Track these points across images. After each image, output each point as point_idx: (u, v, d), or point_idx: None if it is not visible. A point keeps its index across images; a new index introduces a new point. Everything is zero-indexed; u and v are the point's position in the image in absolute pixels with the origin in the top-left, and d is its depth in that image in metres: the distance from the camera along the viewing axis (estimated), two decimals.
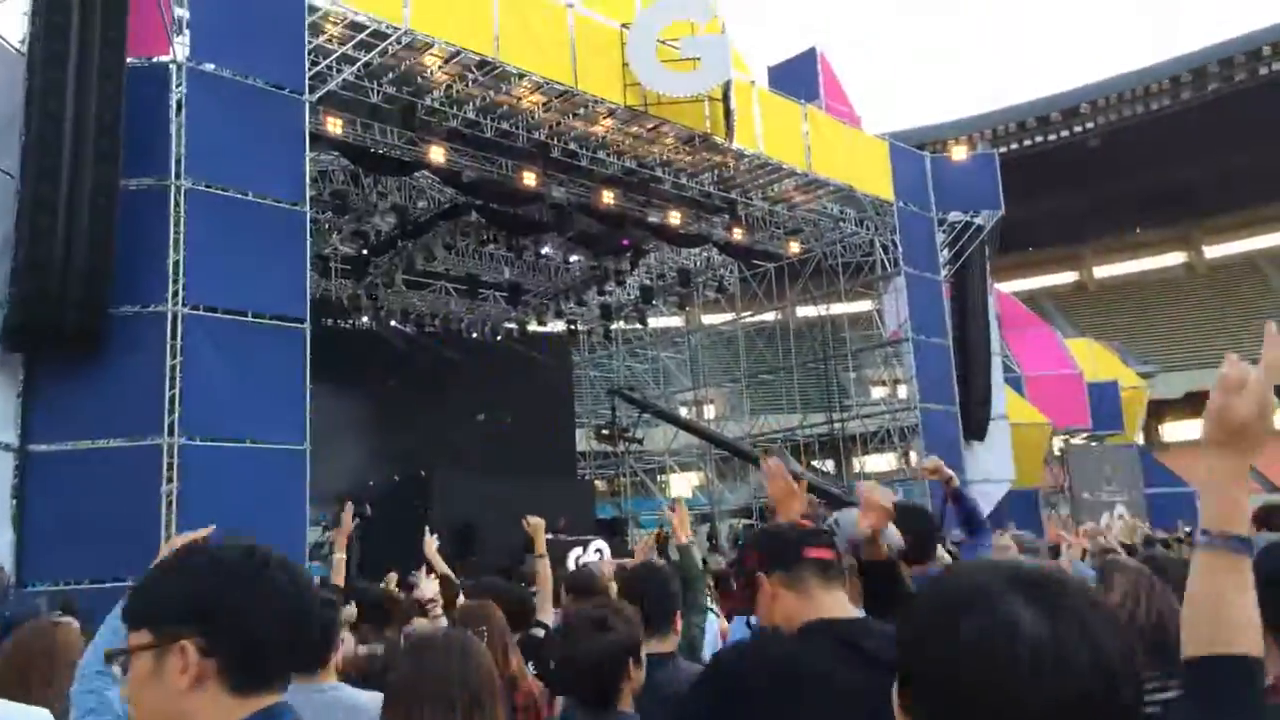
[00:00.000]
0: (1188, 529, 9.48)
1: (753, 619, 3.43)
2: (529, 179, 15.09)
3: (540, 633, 4.21)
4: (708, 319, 26.58)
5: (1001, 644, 0.93)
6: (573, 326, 23.82)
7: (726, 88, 14.60)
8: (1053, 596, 0.95)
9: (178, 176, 10.26)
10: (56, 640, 3.10)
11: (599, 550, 13.67)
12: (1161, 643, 2.49)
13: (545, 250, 19.37)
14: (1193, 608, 1.19)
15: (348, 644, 4.00)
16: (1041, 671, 0.91)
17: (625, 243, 18.64)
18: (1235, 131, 41.96)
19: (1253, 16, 49.37)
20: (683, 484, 28.79)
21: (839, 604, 2.06)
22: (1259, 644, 1.17)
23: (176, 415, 9.95)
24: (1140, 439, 30.72)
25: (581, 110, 14.40)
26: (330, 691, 2.77)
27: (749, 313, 23.87)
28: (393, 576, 6.29)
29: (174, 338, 10.07)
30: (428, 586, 4.23)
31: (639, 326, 23.86)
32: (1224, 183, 45.26)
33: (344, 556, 5.07)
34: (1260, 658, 1.17)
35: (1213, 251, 50.36)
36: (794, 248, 19.77)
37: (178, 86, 10.46)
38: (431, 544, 5.52)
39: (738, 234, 18.31)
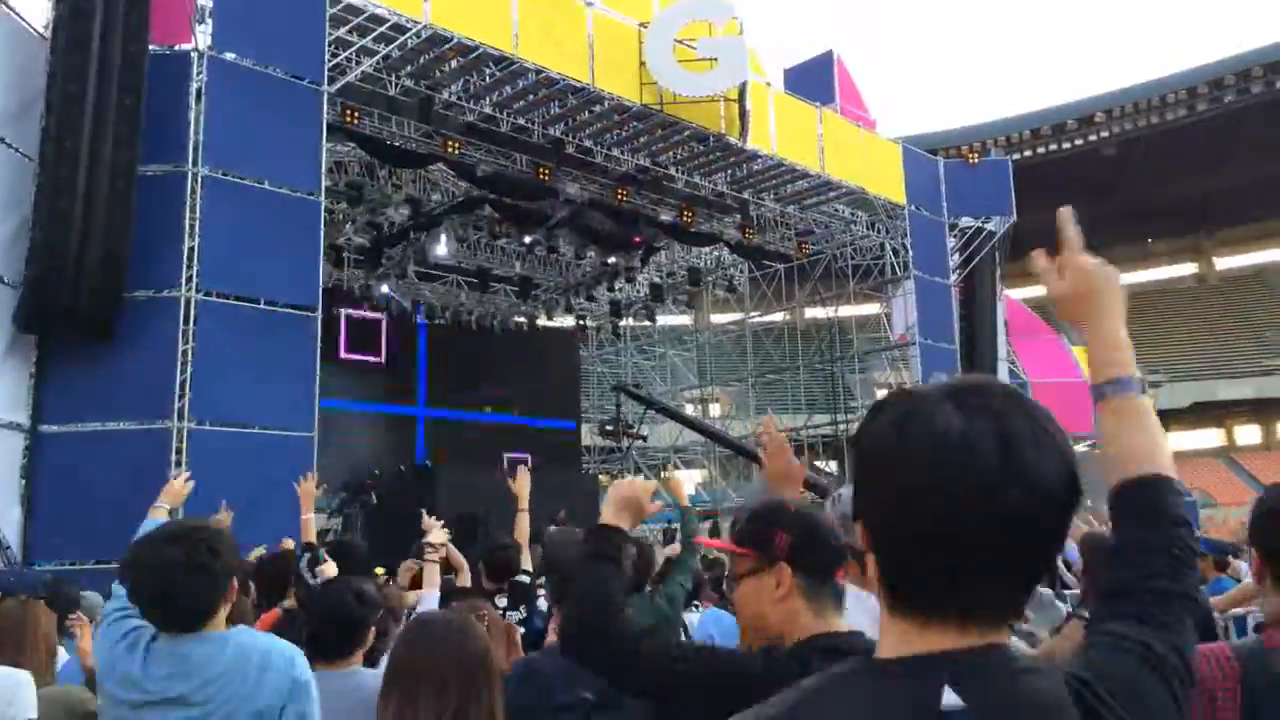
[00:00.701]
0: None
1: (724, 616, 3.42)
2: (543, 174, 15.14)
3: (525, 578, 4.56)
4: (716, 318, 26.61)
5: (911, 431, 0.97)
6: (582, 322, 23.87)
7: (742, 89, 14.63)
8: (979, 398, 0.98)
9: (195, 164, 10.34)
10: (28, 617, 3.28)
11: None
12: None
13: (557, 245, 19.41)
14: (1105, 457, 1.24)
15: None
16: (945, 460, 0.94)
17: (637, 240, 18.68)
18: (1250, 144, 41.81)
19: (1270, 29, 49.14)
20: (687, 481, 28.81)
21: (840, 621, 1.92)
22: (1172, 469, 1.22)
23: (187, 400, 10.04)
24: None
25: (597, 108, 14.45)
26: (351, 677, 2.92)
27: (757, 313, 23.90)
28: (379, 571, 6.37)
29: (186, 323, 10.17)
30: (437, 533, 4.35)
31: (648, 324, 23.89)
32: (1237, 195, 45.09)
33: (311, 517, 5.38)
34: (1176, 478, 1.21)
35: (1223, 263, 50.20)
36: (804, 249, 19.79)
37: (198, 75, 10.54)
38: (434, 525, 5.58)
39: (749, 234, 18.34)
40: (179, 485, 3.39)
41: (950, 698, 0.92)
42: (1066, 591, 6.50)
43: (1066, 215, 1.35)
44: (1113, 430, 1.25)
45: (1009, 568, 0.96)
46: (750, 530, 1.90)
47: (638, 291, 22.48)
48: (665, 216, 17.52)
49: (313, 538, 5.30)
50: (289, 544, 6.04)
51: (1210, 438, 45.49)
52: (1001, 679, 0.94)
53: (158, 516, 3.11)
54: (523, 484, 4.95)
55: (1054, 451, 0.97)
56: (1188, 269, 51.07)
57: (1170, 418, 41.66)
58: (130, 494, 9.57)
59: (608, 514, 2.00)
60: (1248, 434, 45.44)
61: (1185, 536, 1.16)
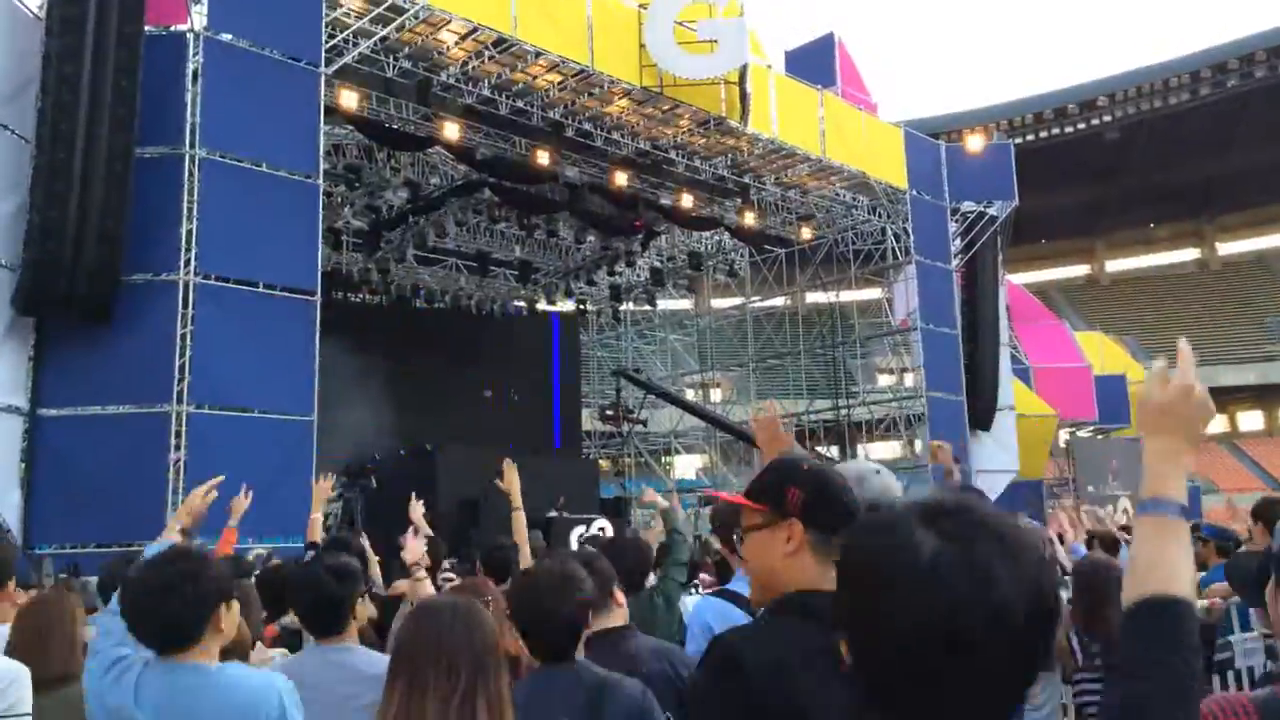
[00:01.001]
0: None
1: (728, 609, 3.42)
2: (542, 158, 15.07)
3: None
4: (717, 302, 26.56)
5: (884, 555, 1.00)
6: (582, 306, 23.83)
7: (743, 71, 14.54)
8: (951, 521, 1.00)
9: (192, 146, 10.30)
10: (69, 606, 3.21)
11: (601, 529, 13.74)
12: None
13: (557, 229, 19.36)
14: (1133, 566, 1.27)
15: None
16: (918, 579, 0.96)
17: (637, 224, 18.62)
18: (1253, 128, 41.66)
19: (1274, 13, 48.94)
20: (687, 466, 28.86)
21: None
22: (1194, 595, 1.24)
23: (185, 383, 10.03)
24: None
25: (597, 90, 14.37)
26: (345, 652, 2.95)
27: (758, 297, 23.85)
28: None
29: (185, 306, 10.15)
30: (414, 548, 4.28)
31: (648, 308, 23.86)
32: (1239, 179, 44.96)
33: (319, 516, 5.40)
34: (1193, 603, 1.22)
35: (1226, 248, 50.09)
36: (806, 233, 19.73)
37: (194, 56, 10.49)
38: (418, 508, 5.59)
39: (749, 218, 18.27)
40: (198, 503, 3.16)
41: None
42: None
43: (1186, 350, 1.44)
44: (1147, 545, 1.28)
45: (980, 692, 0.98)
46: (763, 485, 1.90)
47: (638, 276, 22.44)
48: (665, 200, 17.46)
49: (318, 537, 5.35)
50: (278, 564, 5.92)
51: (1213, 423, 45.03)
52: None
53: (170, 538, 3.01)
54: (511, 482, 4.78)
55: (1026, 584, 0.98)
56: (1190, 254, 50.96)
57: None
58: (129, 477, 9.67)
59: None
60: (1250, 420, 45.44)
61: (1196, 664, 1.18)
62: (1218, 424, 45.43)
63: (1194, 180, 45.78)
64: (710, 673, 1.76)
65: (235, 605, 2.53)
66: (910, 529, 1.00)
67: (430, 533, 5.35)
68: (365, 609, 3.30)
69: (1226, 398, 44.57)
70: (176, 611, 2.38)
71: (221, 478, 3.34)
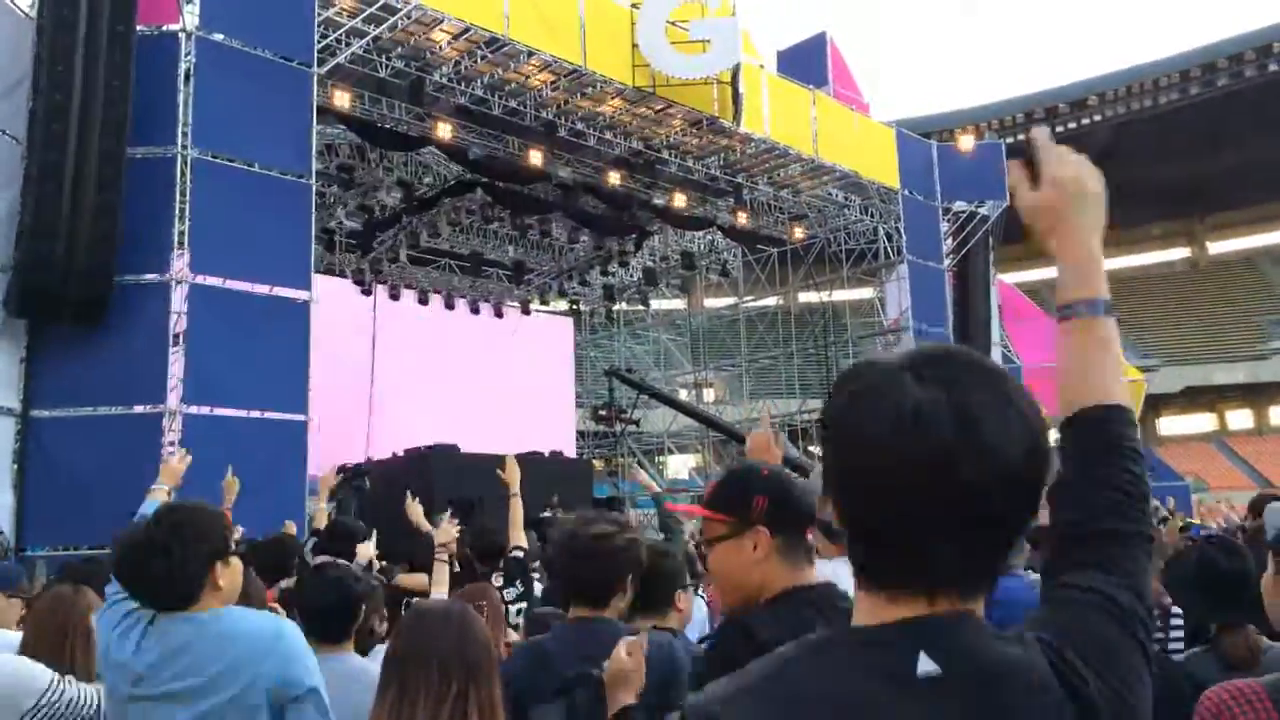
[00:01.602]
0: (1168, 510, 9.53)
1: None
2: (535, 158, 15.07)
3: (520, 554, 4.80)
4: (710, 302, 26.60)
5: (867, 405, 0.96)
6: (575, 306, 23.84)
7: (735, 71, 14.55)
8: (938, 368, 0.97)
9: (184, 146, 10.27)
10: (83, 607, 3.17)
11: None
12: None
13: (550, 229, 19.36)
14: (1063, 378, 1.20)
15: None
16: (902, 427, 0.93)
17: (630, 224, 18.64)
18: (1242, 128, 41.83)
19: (1263, 13, 49.14)
20: (680, 465, 28.88)
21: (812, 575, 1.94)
22: (1128, 398, 1.18)
23: (179, 384, 10.00)
24: (1137, 432, 30.71)
25: (589, 90, 14.38)
26: (340, 662, 2.90)
27: (751, 297, 23.89)
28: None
29: (178, 307, 10.11)
30: (447, 530, 4.47)
31: (641, 308, 23.87)
32: (1229, 179, 45.15)
33: (325, 507, 5.82)
34: (1132, 409, 1.17)
35: (1216, 248, 50.31)
36: (798, 233, 19.77)
37: (186, 56, 10.46)
38: (416, 508, 5.70)
39: (742, 218, 18.30)
40: (176, 463, 3.38)
41: (926, 664, 0.91)
42: None
43: (1040, 133, 1.29)
44: (1075, 353, 1.20)
45: (973, 542, 0.95)
46: (725, 495, 1.92)
47: (631, 276, 22.45)
48: (659, 200, 17.47)
49: (321, 524, 5.55)
50: (291, 527, 6.11)
51: (1203, 422, 45.67)
52: (976, 645, 0.94)
53: (156, 498, 3.06)
54: (512, 472, 5.11)
55: (1016, 424, 0.95)
56: (1180, 253, 51.17)
57: (1163, 402, 41.84)
58: (123, 478, 9.60)
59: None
60: (1240, 418, 45.61)
61: (1136, 470, 1.11)
62: (1208, 422, 45.63)
63: (1184, 179, 45.95)
64: (724, 644, 1.82)
65: (235, 561, 2.49)
66: (894, 378, 0.96)
67: (429, 528, 5.38)
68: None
69: (1216, 396, 44.77)
70: (166, 571, 2.35)
71: (187, 453, 3.59)
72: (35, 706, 2.58)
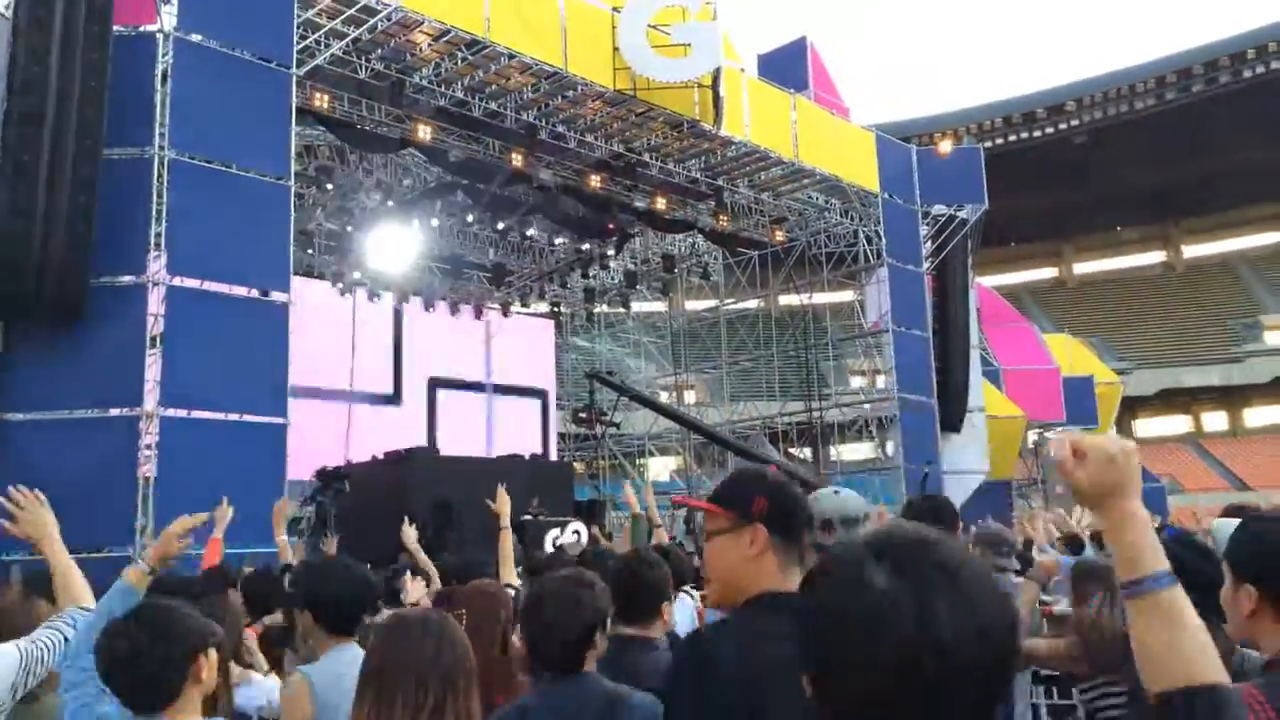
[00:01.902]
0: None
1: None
2: (516, 160, 15.05)
3: (511, 593, 4.37)
4: (691, 305, 26.61)
5: (839, 595, 1.00)
6: (556, 309, 23.80)
7: (716, 75, 14.58)
8: (901, 557, 0.99)
9: (161, 147, 10.20)
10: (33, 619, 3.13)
11: (576, 532, 13.72)
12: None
13: (530, 232, 19.33)
14: (1142, 654, 1.26)
15: None
16: (865, 626, 0.96)
17: (611, 227, 18.63)
18: (1217, 134, 42.32)
19: (1237, 20, 49.72)
20: (661, 468, 28.89)
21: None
22: (1220, 671, 1.22)
23: (156, 387, 9.92)
24: (1113, 434, 31.05)
25: (570, 93, 14.37)
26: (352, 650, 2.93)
27: (732, 299, 23.92)
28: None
29: (155, 309, 10.03)
30: (414, 589, 4.30)
31: (622, 310, 23.86)
32: (1204, 184, 45.65)
33: (285, 539, 5.63)
34: (1226, 686, 1.21)
35: (1191, 251, 50.83)
36: (779, 236, 19.83)
37: (164, 56, 10.39)
38: (411, 534, 5.56)
39: (723, 221, 18.33)
40: (173, 548, 3.04)
41: None
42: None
43: (1055, 444, 1.36)
44: (1149, 631, 1.25)
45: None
46: (730, 492, 2.01)
47: (612, 278, 22.44)
48: (640, 203, 17.48)
49: (289, 557, 5.37)
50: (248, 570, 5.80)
51: (1178, 424, 46.12)
52: None
53: (135, 584, 2.82)
54: (503, 504, 4.99)
55: (973, 617, 0.96)
56: (1156, 257, 51.67)
57: (1138, 404, 42.21)
58: (98, 482, 9.54)
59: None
60: (1215, 420, 46.10)
61: None
62: (1183, 424, 46.08)
63: (1160, 184, 46.42)
64: (687, 665, 1.88)
65: (213, 653, 2.44)
66: (862, 566, 1.00)
67: (428, 561, 5.31)
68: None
69: (1191, 399, 45.22)
70: (149, 675, 2.32)
71: (201, 518, 3.18)
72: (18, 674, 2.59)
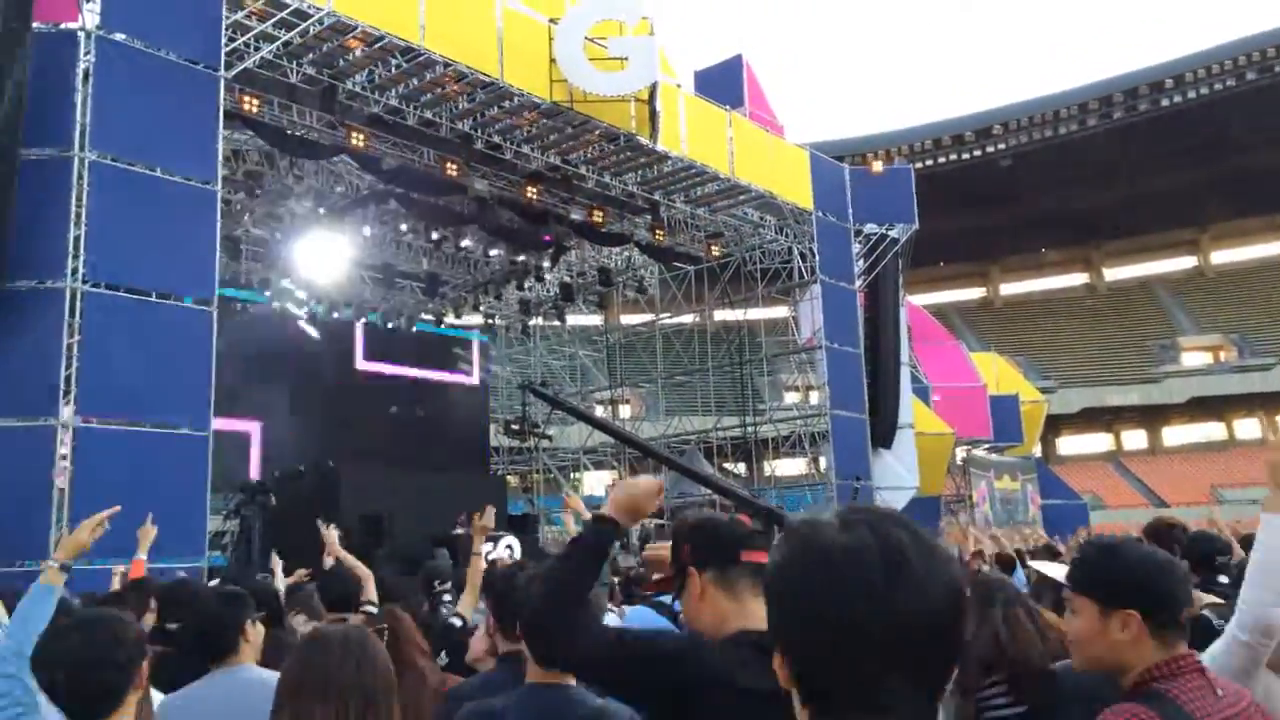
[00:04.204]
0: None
1: (675, 605, 3.46)
2: (451, 170, 14.91)
3: (458, 622, 4.22)
4: (627, 319, 26.67)
5: (801, 550, 1.04)
6: (490, 321, 23.61)
7: (653, 89, 14.63)
8: (861, 515, 1.04)
9: (82, 149, 9.88)
10: None
11: (509, 546, 13.54)
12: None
13: (465, 242, 19.16)
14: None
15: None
16: (833, 572, 0.99)
17: (547, 239, 18.56)
18: (1139, 159, 43.75)
19: (1157, 51, 51.54)
20: (596, 482, 28.79)
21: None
22: None
23: (72, 396, 9.58)
24: (1038, 451, 31.80)
25: (506, 103, 14.29)
26: (242, 672, 2.93)
27: (668, 314, 23.99)
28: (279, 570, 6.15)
29: (72, 315, 9.71)
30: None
31: (558, 323, 23.77)
32: (1124, 208, 47.14)
33: (143, 559, 5.48)
34: None
35: (1112, 274, 52.40)
36: (714, 251, 19.95)
37: (85, 55, 10.08)
38: (332, 535, 5.43)
39: (659, 235, 18.38)
40: (84, 537, 3.01)
41: None
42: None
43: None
44: None
45: (909, 672, 1.00)
46: (671, 552, 2.05)
47: (547, 291, 22.34)
48: (576, 215, 17.44)
49: (142, 573, 5.25)
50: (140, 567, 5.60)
51: (1099, 442, 47.40)
52: None
53: (52, 581, 2.77)
54: (486, 523, 4.74)
55: (940, 566, 1.01)
56: (1079, 279, 53.17)
57: (1061, 422, 43.30)
58: (13, 494, 9.19)
59: (610, 509, 2.02)
60: (1134, 439, 47.46)
61: None
62: (1104, 442, 47.39)
63: (1083, 208, 47.82)
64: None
65: (145, 663, 2.44)
66: (828, 528, 1.03)
67: (357, 562, 5.15)
68: (257, 632, 3.16)
69: (1112, 418, 46.54)
70: (97, 681, 2.29)
71: (116, 509, 3.16)
72: None
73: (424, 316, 21.90)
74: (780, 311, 22.97)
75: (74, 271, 9.73)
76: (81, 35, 10.12)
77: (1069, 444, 47.23)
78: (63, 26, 10.18)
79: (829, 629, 0.99)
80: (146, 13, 10.51)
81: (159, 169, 10.42)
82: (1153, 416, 46.12)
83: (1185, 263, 51.39)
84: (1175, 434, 46.52)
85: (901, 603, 0.97)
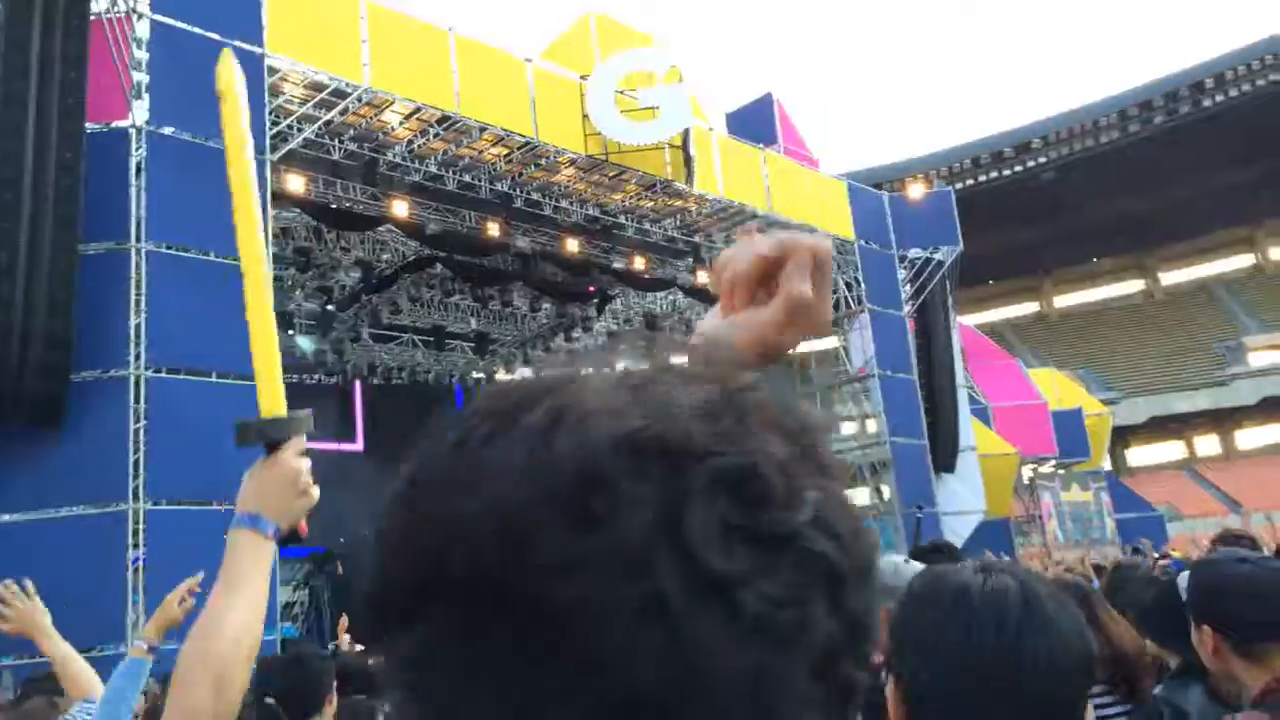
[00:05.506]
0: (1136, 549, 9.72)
1: None
2: (493, 229, 15.17)
3: None
4: (676, 361, 26.65)
5: (941, 591, 1.06)
6: None
7: (686, 135, 14.80)
8: (1001, 566, 1.07)
9: (138, 239, 10.22)
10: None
11: None
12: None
13: (511, 299, 19.39)
14: None
15: None
16: (974, 611, 1.01)
17: (591, 290, 18.73)
18: (1184, 161, 43.02)
19: (1191, 53, 50.88)
20: None
21: None
22: None
23: (141, 480, 9.82)
24: (1106, 464, 31.07)
25: (543, 160, 14.53)
26: None
27: None
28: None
29: (137, 401, 9.98)
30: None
31: None
32: (1175, 211, 46.27)
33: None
34: None
35: (1168, 278, 51.33)
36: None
37: (137, 149, 10.46)
38: (340, 626, 5.44)
39: (702, 276, 18.43)
40: (175, 613, 2.85)
41: None
42: None
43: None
44: None
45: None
46: None
47: (595, 340, 22.47)
48: (618, 264, 17.59)
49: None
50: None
51: (1171, 450, 46.15)
52: None
53: (142, 658, 2.68)
54: None
55: (1071, 618, 1.04)
56: (1135, 285, 52.14)
57: (1129, 433, 42.30)
58: (88, 580, 9.40)
59: None
60: (1207, 444, 46.14)
61: None
62: (1176, 450, 46.12)
63: (1132, 214, 47.03)
64: None
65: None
66: (964, 574, 1.06)
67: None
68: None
69: (1181, 424, 45.32)
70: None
71: (200, 575, 3.00)
72: None
73: (475, 375, 22.13)
74: (830, 342, 22.83)
75: (136, 358, 10.03)
76: (132, 132, 10.51)
77: (1139, 455, 46.07)
78: (114, 125, 10.58)
79: (955, 664, 1.01)
80: (192, 106, 10.85)
81: (213, 253, 10.73)
82: (1224, 420, 44.85)
83: (1243, 261, 50.21)
84: (1249, 437, 45.15)
85: (1032, 645, 0.99)
